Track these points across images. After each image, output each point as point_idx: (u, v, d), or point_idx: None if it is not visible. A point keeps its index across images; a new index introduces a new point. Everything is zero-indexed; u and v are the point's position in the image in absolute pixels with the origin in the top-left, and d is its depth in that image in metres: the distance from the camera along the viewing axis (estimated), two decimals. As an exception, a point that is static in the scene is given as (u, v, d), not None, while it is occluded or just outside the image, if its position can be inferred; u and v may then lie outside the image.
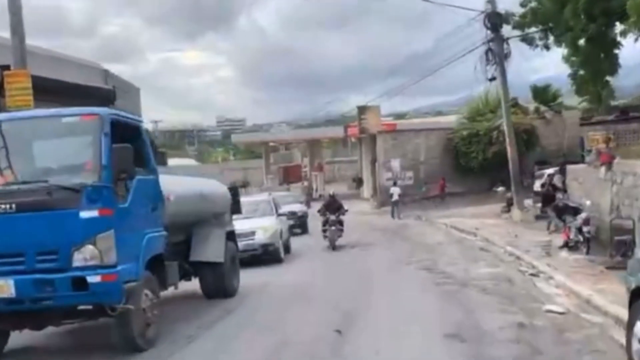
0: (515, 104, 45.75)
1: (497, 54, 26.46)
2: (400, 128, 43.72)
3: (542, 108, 45.64)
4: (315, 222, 27.29)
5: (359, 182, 56.51)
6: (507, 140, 27.37)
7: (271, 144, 70.91)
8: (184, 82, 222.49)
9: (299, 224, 28.49)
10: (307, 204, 48.76)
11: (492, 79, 27.09)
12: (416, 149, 43.58)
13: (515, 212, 26.34)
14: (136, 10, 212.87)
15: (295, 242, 23.75)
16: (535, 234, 20.72)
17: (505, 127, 27.72)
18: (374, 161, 44.43)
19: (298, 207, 29.92)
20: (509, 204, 28.22)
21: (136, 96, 24.08)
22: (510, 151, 27.20)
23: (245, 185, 68.25)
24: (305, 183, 58.46)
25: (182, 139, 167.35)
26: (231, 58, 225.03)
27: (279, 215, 21.61)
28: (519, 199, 26.83)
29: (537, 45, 26.85)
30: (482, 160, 41.98)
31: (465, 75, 61.67)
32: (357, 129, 47.77)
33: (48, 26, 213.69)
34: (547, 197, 22.84)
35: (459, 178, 43.09)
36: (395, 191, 36.17)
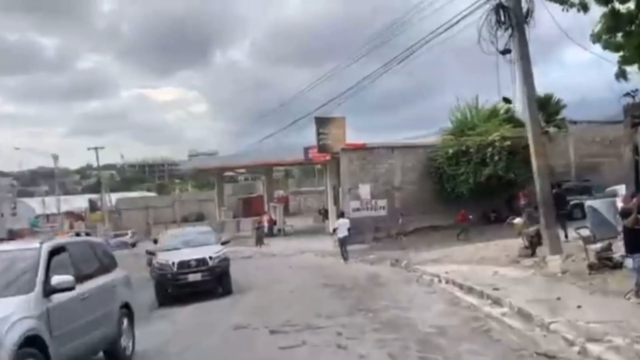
0: (509, 116, 35.78)
1: (512, 10, 16.23)
2: (371, 146, 33.30)
3: (543, 123, 35.48)
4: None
5: (324, 214, 45.94)
6: (532, 147, 16.71)
7: (228, 173, 60.30)
8: (157, 117, 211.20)
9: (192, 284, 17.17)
10: (258, 241, 38.12)
11: (505, 51, 16.71)
12: (390, 172, 33.13)
13: (553, 259, 15.67)
14: (110, 47, 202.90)
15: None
16: (621, 309, 10.20)
17: (528, 129, 17.01)
18: (336, 188, 34.02)
19: (201, 252, 17.81)
20: (533, 242, 17.72)
21: None
22: (538, 163, 16.59)
23: (200, 218, 57.54)
24: (265, 217, 47.66)
25: (152, 174, 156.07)
26: (205, 93, 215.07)
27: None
28: (553, 237, 16.26)
29: (571, 4, 16.28)
30: (474, 185, 31.64)
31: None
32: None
33: (20, 61, 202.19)
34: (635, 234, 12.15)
35: (444, 207, 32.71)
36: (342, 225, 25.67)
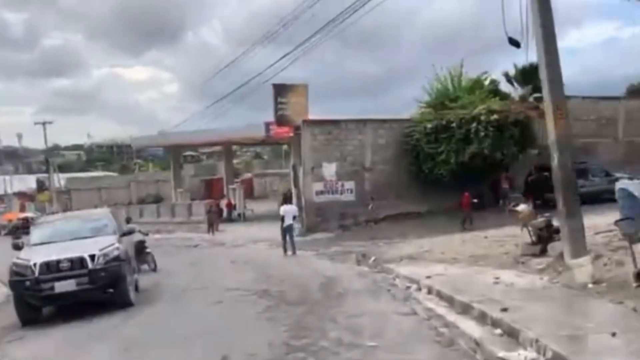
0: (494, 88, 31.20)
1: None
2: (338, 119, 28.43)
3: (531, 96, 30.88)
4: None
5: (289, 198, 41.05)
6: (550, 109, 11.64)
7: (189, 152, 54.96)
8: (129, 97, 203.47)
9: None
10: (210, 227, 33.14)
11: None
12: (360, 150, 28.31)
13: (579, 263, 10.84)
14: (80, 25, 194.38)
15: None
16: None
17: (544, 84, 11.84)
18: (295, 167, 29.21)
19: (80, 249, 12.81)
20: (543, 236, 13.05)
21: None
22: (558, 131, 11.60)
23: (158, 200, 52.26)
24: (223, 200, 42.54)
25: (120, 154, 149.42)
26: (177, 74, 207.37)
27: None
28: (575, 231, 11.49)
29: None
30: (455, 166, 27.03)
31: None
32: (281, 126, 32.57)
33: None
34: None
35: (420, 191, 28.13)
36: (288, 212, 21.43)
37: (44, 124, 56.45)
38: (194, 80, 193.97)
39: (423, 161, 27.82)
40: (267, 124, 35.07)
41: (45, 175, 57.26)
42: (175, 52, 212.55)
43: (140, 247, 16.90)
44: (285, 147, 55.70)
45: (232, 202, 41.84)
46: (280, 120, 28.80)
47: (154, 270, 18.29)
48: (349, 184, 27.78)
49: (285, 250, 20.88)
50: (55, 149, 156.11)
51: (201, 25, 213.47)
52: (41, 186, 58.47)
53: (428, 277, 12.51)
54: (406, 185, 27.92)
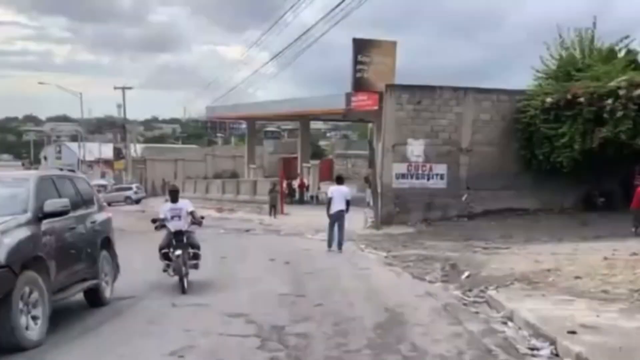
0: (633, 58, 24.11)
1: None
2: (432, 85, 22.39)
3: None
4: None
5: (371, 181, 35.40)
6: None
7: (270, 128, 50.29)
8: (226, 74, 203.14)
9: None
10: (272, 209, 28.04)
11: None
12: (456, 126, 22.19)
13: None
14: (184, 1, 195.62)
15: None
16: None
17: None
18: (371, 142, 23.58)
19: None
20: None
21: None
22: None
23: (233, 176, 47.92)
24: (297, 180, 37.45)
25: (213, 129, 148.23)
26: (274, 53, 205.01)
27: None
28: None
29: None
30: (579, 153, 20.47)
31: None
32: (362, 97, 27.00)
33: (97, 10, 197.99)
34: None
35: (531, 183, 21.79)
36: (338, 194, 15.92)
37: (122, 89, 53.47)
38: (288, 60, 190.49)
39: (537, 145, 21.35)
40: (348, 95, 29.46)
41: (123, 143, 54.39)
42: (274, 32, 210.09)
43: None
44: (371, 125, 49.89)
45: (306, 182, 36.69)
46: (359, 84, 23.06)
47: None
48: (440, 168, 21.77)
49: (329, 244, 15.62)
50: (154, 121, 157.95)
51: (301, 4, 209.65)
52: (118, 154, 55.67)
53: (571, 332, 6.59)
54: (513, 174, 21.61)
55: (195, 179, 41.75)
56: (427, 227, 20.99)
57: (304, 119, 37.56)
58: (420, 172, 21.62)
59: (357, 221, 21.74)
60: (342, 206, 15.60)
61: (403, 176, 21.52)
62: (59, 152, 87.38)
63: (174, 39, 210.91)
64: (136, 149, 53.55)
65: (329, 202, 15.89)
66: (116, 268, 9.67)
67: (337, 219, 15.56)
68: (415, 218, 21.63)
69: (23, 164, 43.50)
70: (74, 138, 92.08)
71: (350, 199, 16.17)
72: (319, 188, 35.53)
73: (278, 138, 64.54)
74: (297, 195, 36.06)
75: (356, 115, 36.09)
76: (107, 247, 9.36)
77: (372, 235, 19.54)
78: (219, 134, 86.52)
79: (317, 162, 41.94)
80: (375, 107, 26.65)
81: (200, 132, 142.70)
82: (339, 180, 16.71)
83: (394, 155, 21.56)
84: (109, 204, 46.36)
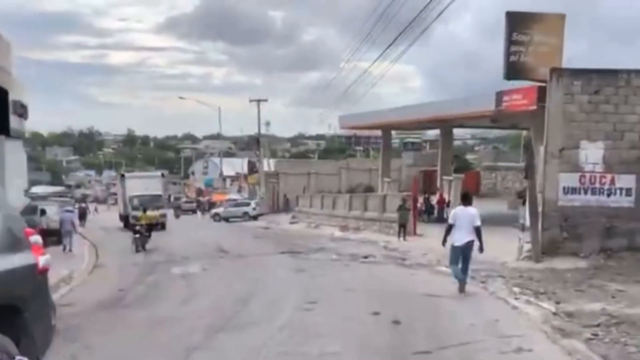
0: None
1: None
2: (615, 68, 16.20)
3: None
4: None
5: (524, 197, 29.10)
6: None
7: (410, 139, 45.04)
8: (373, 90, 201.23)
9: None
10: (401, 230, 22.89)
11: None
12: (650, 123, 15.80)
13: None
14: (331, 20, 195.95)
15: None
16: None
17: None
18: (528, 145, 17.81)
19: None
20: None
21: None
22: None
23: (368, 190, 43.14)
24: (437, 195, 31.96)
25: (357, 144, 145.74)
26: (420, 67, 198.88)
27: None
28: None
29: None
30: None
31: None
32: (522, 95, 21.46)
33: (253, 32, 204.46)
34: None
35: None
36: (463, 218, 11.23)
37: (258, 101, 51.00)
38: (436, 75, 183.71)
39: None
40: (499, 95, 23.70)
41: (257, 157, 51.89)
42: (420, 46, 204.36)
43: None
44: (525, 133, 43.06)
45: (446, 198, 31.07)
46: (513, 70, 17.32)
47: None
48: (625, 180, 15.51)
49: (461, 286, 10.96)
50: (300, 138, 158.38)
51: (450, 17, 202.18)
52: (252, 168, 53.29)
53: None
54: None
55: (322, 194, 37.68)
56: (606, 261, 14.91)
57: (445, 125, 32.09)
58: (597, 185, 15.52)
59: (507, 248, 16.18)
60: (470, 235, 10.80)
61: (573, 190, 15.53)
62: (206, 167, 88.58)
63: (322, 57, 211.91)
64: (269, 163, 50.76)
65: (449, 229, 11.19)
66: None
67: (463, 251, 10.87)
68: (589, 247, 15.53)
69: (163, 175, 42.72)
70: (225, 154, 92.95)
71: (480, 225, 10.92)
72: (448, 204, 29.88)
73: (419, 150, 59.19)
74: (435, 213, 30.59)
75: (508, 120, 30.02)
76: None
77: (529, 270, 13.93)
78: (357, 147, 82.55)
79: (461, 175, 36.22)
80: (533, 107, 20.78)
81: (344, 147, 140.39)
82: (466, 200, 11.44)
83: (562, 162, 15.64)
84: (227, 220, 43.83)
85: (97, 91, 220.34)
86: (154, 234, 23.42)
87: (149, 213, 26.06)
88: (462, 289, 11.04)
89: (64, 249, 23.54)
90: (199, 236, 26.85)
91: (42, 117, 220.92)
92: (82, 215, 40.20)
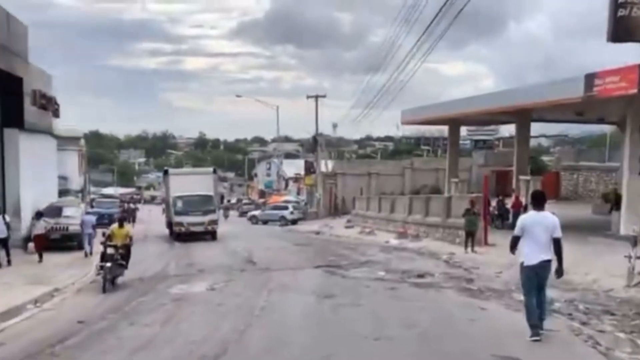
0: None
1: None
2: None
3: None
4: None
5: (614, 200, 24.16)
6: None
7: (481, 137, 40.29)
8: (443, 92, 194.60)
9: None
10: (469, 239, 18.66)
11: None
12: None
13: None
14: (400, 21, 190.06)
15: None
16: None
17: None
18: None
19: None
20: None
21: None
22: None
23: (434, 191, 38.63)
24: (512, 198, 27.43)
25: (427, 146, 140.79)
26: (493, 67, 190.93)
27: None
28: None
29: None
30: None
31: None
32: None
33: (322, 36, 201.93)
34: None
35: None
36: (538, 226, 7.53)
37: (316, 97, 47.45)
38: (510, 75, 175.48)
39: None
40: (590, 77, 19.08)
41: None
42: (493, 46, 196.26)
43: None
44: (610, 129, 37.23)
45: (522, 201, 26.45)
46: (622, 28, 12.94)
47: None
48: None
49: (533, 324, 7.40)
50: (367, 140, 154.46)
51: (526, 16, 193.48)
52: (309, 168, 49.75)
53: None
54: None
55: (380, 196, 33.60)
56: None
57: (522, 116, 27.33)
58: None
59: (609, 268, 11.89)
60: (547, 252, 7.47)
61: None
62: (269, 169, 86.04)
63: (392, 59, 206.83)
64: (327, 163, 47.04)
65: (515, 241, 7.66)
66: None
67: (538, 274, 7.52)
68: None
69: (215, 171, 36.76)
70: (289, 156, 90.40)
71: (559, 235, 7.43)
72: (525, 209, 25.25)
73: (491, 148, 54.04)
74: (510, 218, 26.00)
75: (596, 111, 25.22)
76: None
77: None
78: (423, 146, 78.10)
79: (539, 177, 31.35)
80: (633, 91, 16.34)
81: (411, 148, 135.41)
82: (538, 202, 7.48)
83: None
84: (265, 223, 40.25)
85: (173, 96, 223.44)
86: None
87: (125, 229, 14.19)
88: (536, 334, 7.28)
89: (86, 254, 20.88)
90: (235, 244, 23.32)
91: (120, 121, 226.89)
92: (126, 218, 37.80)
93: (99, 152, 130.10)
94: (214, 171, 30.53)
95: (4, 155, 20.21)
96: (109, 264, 12.78)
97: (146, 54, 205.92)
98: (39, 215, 18.07)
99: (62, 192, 40.95)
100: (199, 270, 15.53)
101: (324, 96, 48.22)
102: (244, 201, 64.51)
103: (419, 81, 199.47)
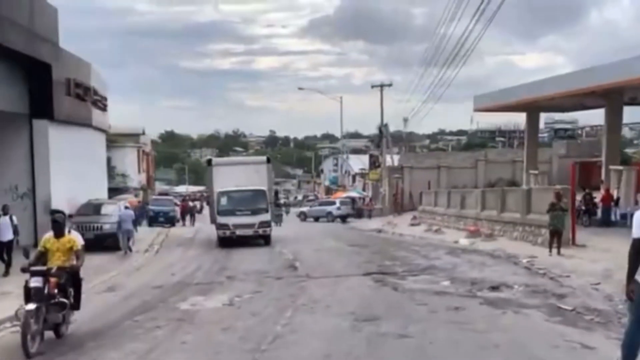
0: None
1: None
2: None
3: None
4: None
5: None
6: None
7: (562, 125, 36.17)
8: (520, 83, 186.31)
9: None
10: (554, 239, 15.35)
11: None
12: None
13: None
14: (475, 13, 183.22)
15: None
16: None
17: None
18: None
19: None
20: None
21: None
22: None
23: (511, 185, 34.82)
24: (600, 189, 23.72)
25: (502, 136, 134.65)
26: (572, 59, 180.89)
27: None
28: None
29: None
30: None
31: None
32: None
33: (392, 30, 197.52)
34: None
35: None
36: None
37: (380, 86, 44.47)
38: (589, 65, 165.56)
39: None
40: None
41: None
42: (573, 35, 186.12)
43: None
44: None
45: (614, 194, 22.71)
46: None
47: None
48: None
49: None
50: (440, 134, 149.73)
51: (607, 2, 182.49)
52: (374, 162, 46.80)
53: None
54: None
55: (449, 190, 30.28)
56: None
57: (613, 98, 23.51)
58: None
59: None
60: None
61: None
62: (335, 164, 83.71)
63: (464, 52, 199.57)
64: (392, 157, 43.92)
65: (637, 248, 4.80)
66: None
67: None
68: None
69: (269, 160, 31.39)
70: (357, 152, 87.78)
71: None
72: (636, 203, 21.32)
73: (573, 137, 49.32)
74: (599, 214, 22.33)
75: None
76: None
77: None
78: (498, 138, 73.62)
79: (634, 167, 27.25)
80: None
81: (486, 142, 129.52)
82: None
83: None
84: (317, 219, 37.00)
85: (244, 96, 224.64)
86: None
87: (66, 239, 8.01)
88: None
89: (125, 252, 18.96)
90: (283, 244, 20.70)
91: (194, 121, 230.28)
92: (184, 215, 36.63)
93: (174, 151, 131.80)
94: (268, 160, 24.54)
95: (33, 149, 18.59)
96: (32, 306, 7.03)
97: (218, 55, 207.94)
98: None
99: (120, 190, 40.08)
100: (228, 277, 13.11)
101: (389, 85, 45.24)
102: (309, 197, 62.52)
103: (495, 74, 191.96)
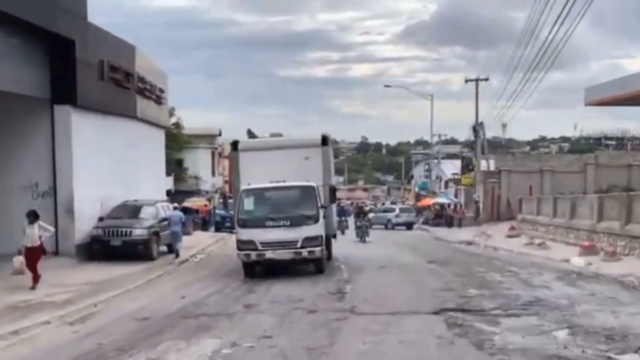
0: None
1: None
2: None
3: None
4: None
5: None
6: None
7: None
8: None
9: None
10: None
11: None
12: None
13: None
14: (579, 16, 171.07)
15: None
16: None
17: None
18: None
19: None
20: None
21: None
22: None
23: (606, 191, 28.56)
24: None
25: (608, 146, 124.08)
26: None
27: None
28: None
29: None
30: None
31: None
32: None
33: (492, 35, 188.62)
34: None
35: None
36: None
37: (476, 80, 39.62)
38: None
39: None
40: None
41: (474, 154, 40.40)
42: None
43: None
44: None
45: None
46: None
47: None
48: None
49: None
50: (541, 140, 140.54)
51: None
52: (466, 166, 41.89)
53: None
54: None
55: (555, 196, 25.13)
56: None
57: None
58: None
59: None
60: None
61: None
62: (426, 170, 78.68)
63: (568, 56, 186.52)
64: (488, 162, 38.85)
65: None
66: None
67: None
68: None
69: (324, 141, 23.30)
70: (451, 157, 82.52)
71: None
72: None
73: None
74: None
75: None
76: None
77: None
78: (608, 141, 66.13)
79: None
80: None
81: (591, 148, 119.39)
82: None
83: None
84: (395, 228, 29.67)
85: (339, 103, 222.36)
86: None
87: None
88: None
89: (176, 255, 16.93)
90: (343, 257, 16.81)
91: (288, 129, 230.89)
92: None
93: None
94: (324, 141, 15.76)
95: (54, 139, 15.88)
96: None
97: (315, 63, 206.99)
98: (33, 216, 12.03)
99: (192, 193, 37.74)
100: (245, 306, 9.48)
101: (486, 79, 40.22)
102: (395, 204, 58.39)
103: (603, 77, 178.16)
